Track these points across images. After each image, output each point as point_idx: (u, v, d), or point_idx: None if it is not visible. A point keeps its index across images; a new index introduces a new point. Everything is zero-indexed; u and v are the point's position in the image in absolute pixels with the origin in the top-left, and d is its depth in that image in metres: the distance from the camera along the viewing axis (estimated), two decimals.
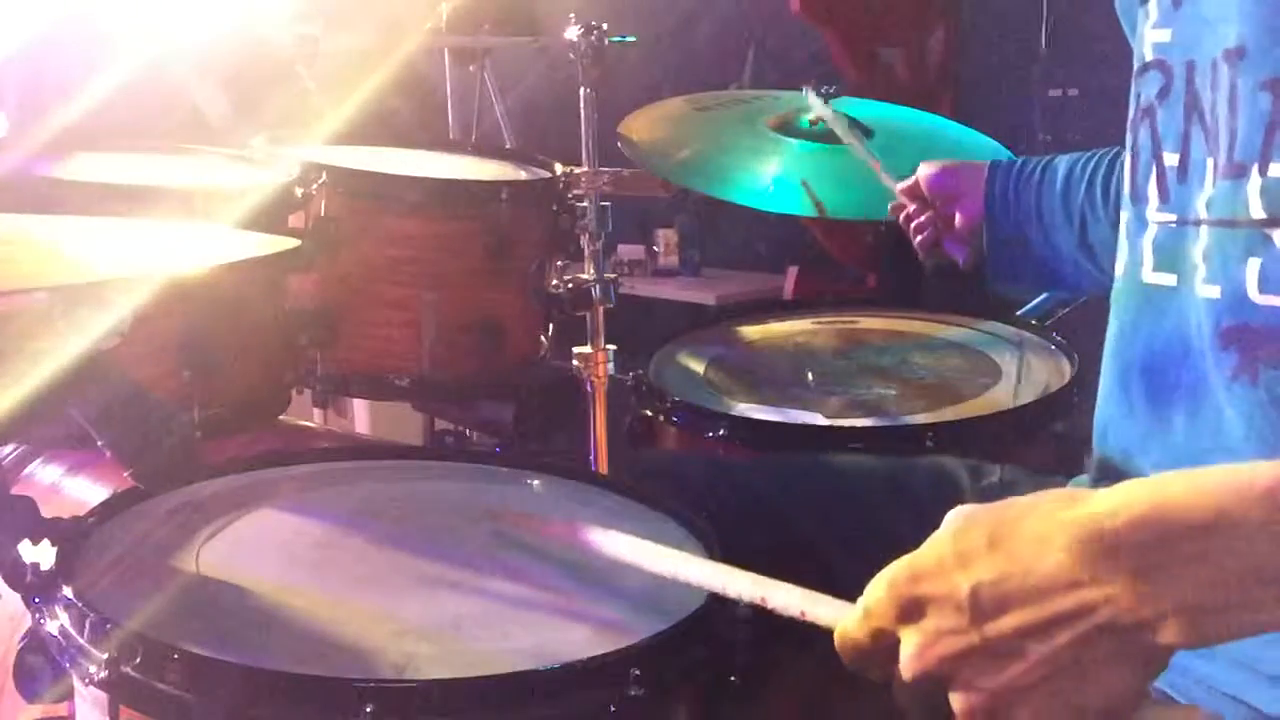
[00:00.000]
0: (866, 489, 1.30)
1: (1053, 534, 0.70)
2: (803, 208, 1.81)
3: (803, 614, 0.82)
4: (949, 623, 0.71)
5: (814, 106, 1.81)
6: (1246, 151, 0.89)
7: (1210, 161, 0.93)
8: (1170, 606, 0.68)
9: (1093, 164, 1.41)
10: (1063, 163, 1.44)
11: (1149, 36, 1.01)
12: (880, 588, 0.75)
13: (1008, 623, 0.70)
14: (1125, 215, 1.04)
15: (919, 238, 1.58)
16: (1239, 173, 0.90)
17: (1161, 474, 0.74)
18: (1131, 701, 0.71)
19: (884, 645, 0.75)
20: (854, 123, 1.83)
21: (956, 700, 0.72)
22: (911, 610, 0.73)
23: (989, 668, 0.71)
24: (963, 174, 1.54)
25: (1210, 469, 0.71)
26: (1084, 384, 1.58)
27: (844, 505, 1.27)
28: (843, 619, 0.77)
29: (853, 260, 3.83)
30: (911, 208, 1.59)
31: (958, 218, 1.53)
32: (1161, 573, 0.68)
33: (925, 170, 1.56)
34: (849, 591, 1.01)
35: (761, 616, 0.97)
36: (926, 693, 0.73)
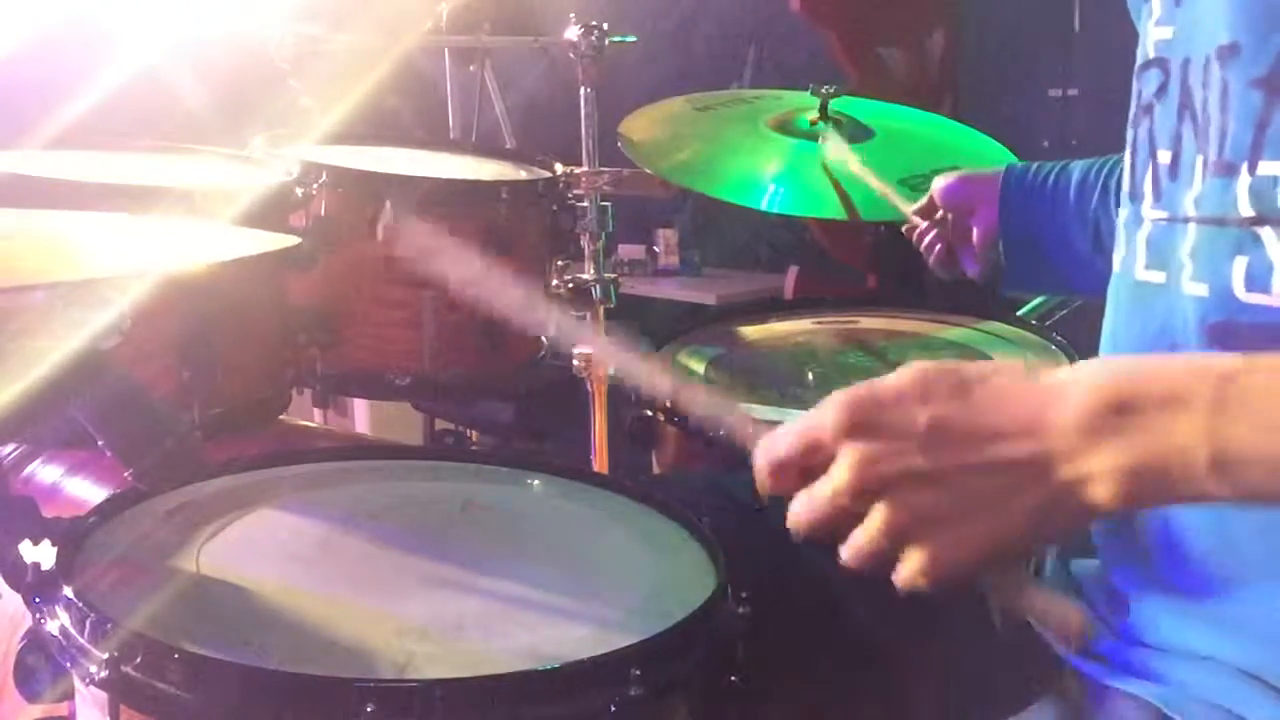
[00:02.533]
0: None
1: (1014, 390, 0.76)
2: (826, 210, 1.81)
3: (726, 428, 0.85)
4: (897, 446, 0.75)
5: (829, 149, 1.81)
6: (1236, 150, 0.89)
7: (1200, 159, 0.93)
8: (1108, 466, 0.72)
9: (1107, 168, 1.41)
10: (1076, 168, 1.44)
11: (1151, 34, 1.01)
12: (833, 403, 0.78)
13: (953, 457, 0.75)
14: (1124, 212, 1.04)
15: (934, 254, 1.59)
16: (1229, 171, 0.90)
17: (1132, 355, 0.79)
18: (1034, 545, 0.79)
19: (814, 454, 0.78)
20: (858, 128, 1.83)
21: (879, 514, 0.76)
22: (861, 429, 0.76)
23: (922, 493, 0.75)
24: (977, 184, 1.54)
25: (1174, 354, 0.77)
26: None
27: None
28: (779, 428, 0.80)
29: (853, 260, 3.83)
30: (923, 226, 1.60)
31: (974, 229, 1.53)
32: (1108, 434, 0.72)
33: (939, 183, 1.57)
34: (848, 600, 1.03)
35: (761, 617, 0.97)
36: (846, 504, 0.77)
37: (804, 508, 0.79)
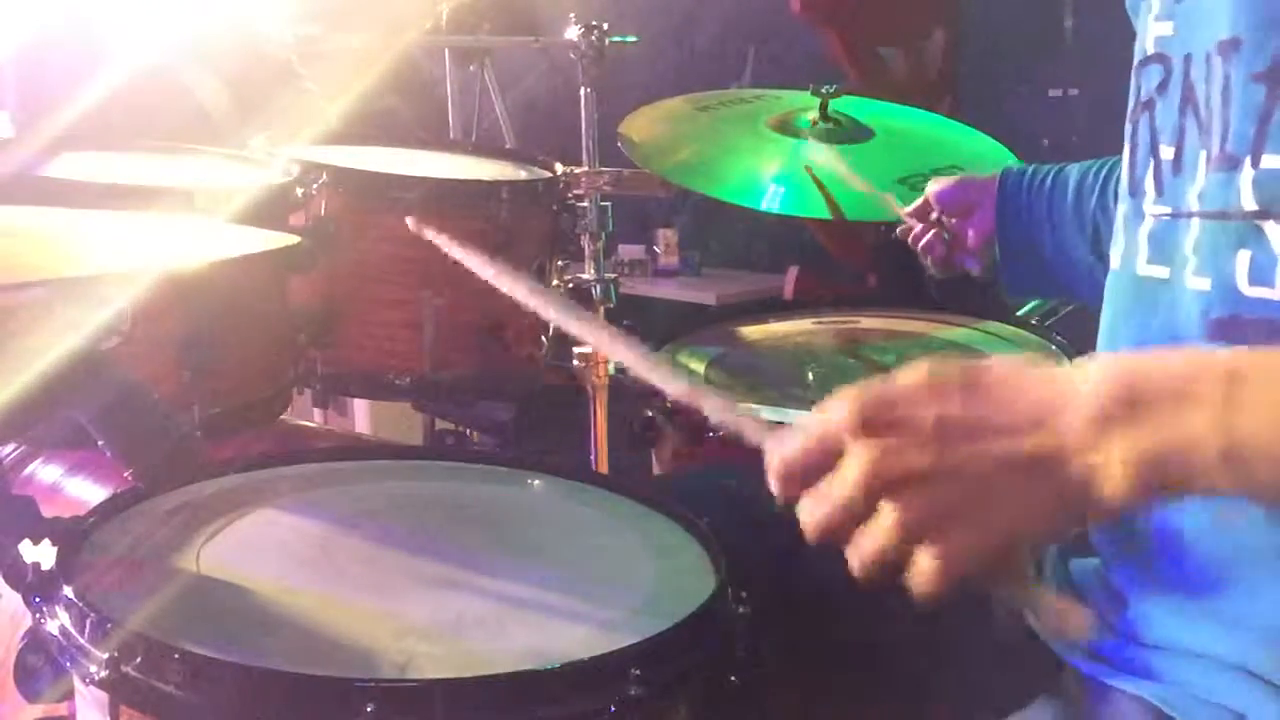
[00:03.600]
0: None
1: (1025, 384, 0.76)
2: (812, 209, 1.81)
3: (741, 431, 0.84)
4: (907, 443, 0.75)
5: (816, 154, 1.82)
6: (1239, 143, 0.89)
7: (1203, 154, 0.93)
8: (1120, 458, 0.72)
9: (1104, 171, 1.40)
10: (1074, 170, 1.44)
11: (1151, 29, 1.01)
12: (843, 403, 0.77)
13: (964, 453, 0.74)
14: (1123, 208, 1.04)
15: (930, 256, 1.59)
16: (1231, 164, 0.90)
17: (1137, 352, 0.80)
18: (1045, 540, 0.79)
19: (826, 454, 0.78)
20: (858, 128, 1.83)
21: (890, 511, 0.75)
22: (871, 426, 0.76)
23: (935, 489, 0.74)
24: (973, 187, 1.54)
25: (1182, 350, 0.77)
26: None
27: None
28: (789, 431, 0.80)
29: (853, 260, 3.82)
30: (919, 228, 1.59)
31: (970, 232, 1.53)
32: (1120, 426, 0.72)
33: (934, 187, 1.57)
34: (848, 600, 1.03)
35: (761, 617, 0.97)
36: (857, 504, 0.76)
37: (816, 507, 0.78)
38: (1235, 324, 0.90)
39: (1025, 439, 0.74)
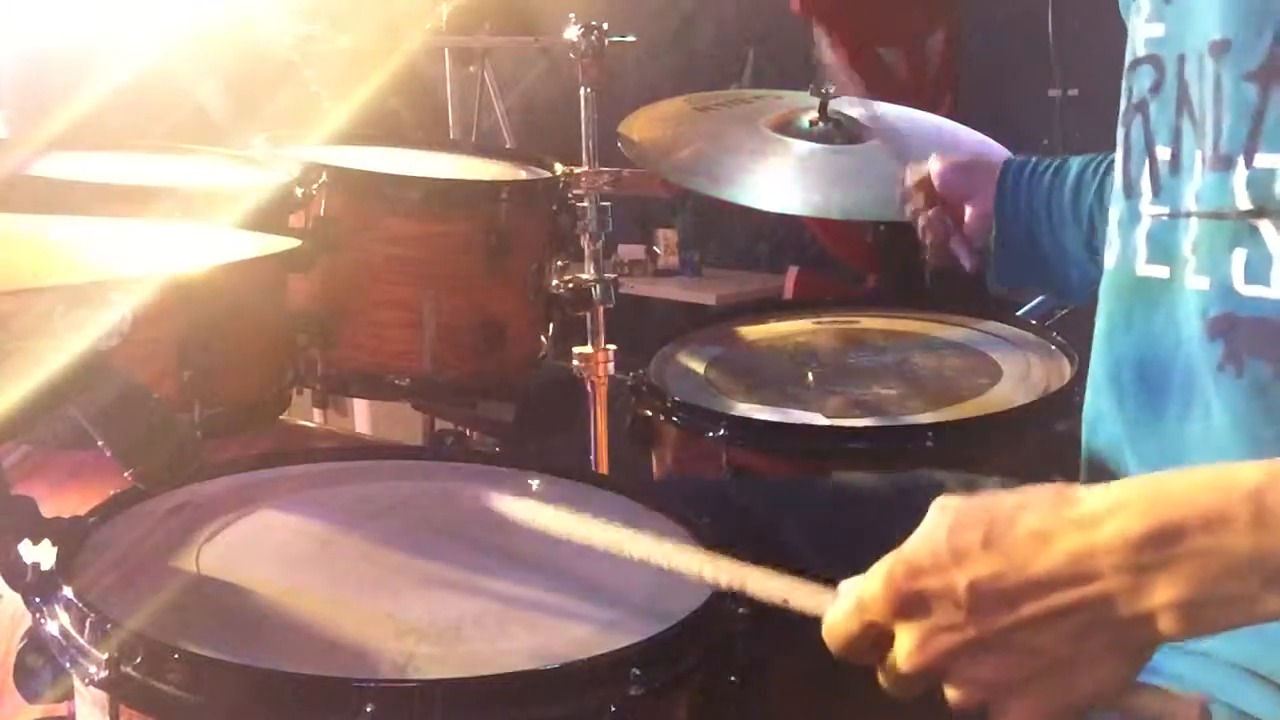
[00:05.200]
0: (860, 502, 1.30)
1: (1048, 531, 0.73)
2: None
3: (785, 601, 0.83)
4: (946, 618, 0.73)
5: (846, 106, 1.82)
6: (1232, 143, 0.90)
7: (1199, 154, 0.93)
8: (1167, 601, 0.70)
9: (1104, 166, 1.40)
10: (1075, 164, 1.43)
11: (1141, 31, 1.01)
12: (876, 582, 0.76)
13: (1005, 619, 0.72)
14: (1117, 209, 1.04)
15: (928, 236, 1.58)
16: (1226, 164, 0.90)
17: (1153, 474, 0.77)
18: (1122, 690, 0.74)
19: (875, 636, 0.77)
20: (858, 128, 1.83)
21: (953, 693, 0.74)
22: (908, 606, 0.75)
23: (986, 661, 0.73)
24: (975, 171, 1.53)
25: (1200, 469, 0.74)
26: (1084, 384, 1.58)
27: (837, 519, 1.27)
28: (833, 609, 0.79)
29: (853, 260, 3.82)
30: (921, 201, 1.58)
31: (967, 214, 1.52)
32: (1158, 568, 0.70)
33: (937, 165, 1.55)
34: None
35: (762, 617, 0.97)
36: (920, 684, 0.76)
37: (890, 686, 0.78)
38: (1233, 322, 0.90)
39: (1065, 592, 0.72)
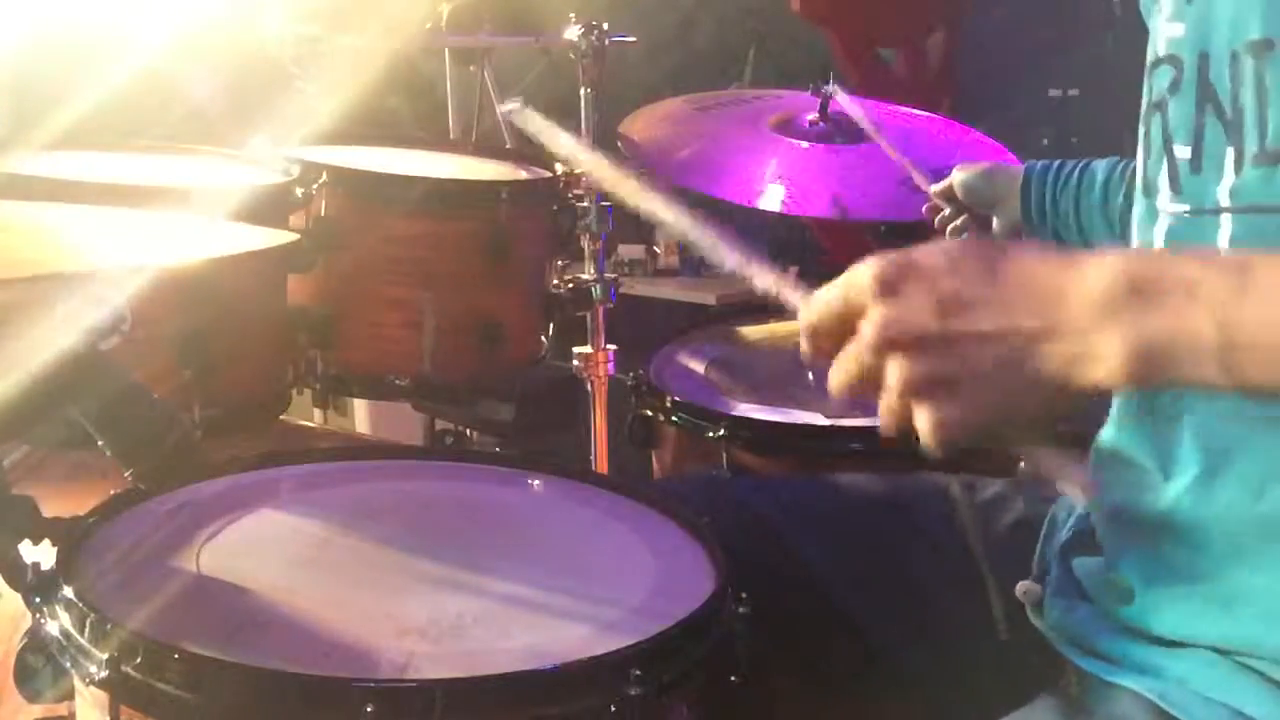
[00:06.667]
0: (860, 502, 1.30)
1: (1039, 272, 0.79)
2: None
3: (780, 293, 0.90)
4: (920, 308, 0.79)
5: (846, 106, 1.82)
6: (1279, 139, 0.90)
7: (1231, 151, 0.93)
8: (1116, 343, 0.75)
9: (1132, 168, 1.40)
10: (1100, 166, 1.44)
11: (1162, 31, 1.01)
12: (869, 263, 0.82)
13: (973, 323, 0.78)
14: (1138, 207, 1.05)
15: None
16: (1274, 160, 0.91)
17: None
18: (1036, 422, 0.81)
19: (850, 313, 0.83)
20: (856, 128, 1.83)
21: (897, 370, 0.80)
22: (890, 289, 0.80)
23: (939, 354, 0.79)
24: (998, 178, 1.54)
25: (1193, 251, 0.81)
26: None
27: (838, 522, 1.27)
28: (824, 287, 0.85)
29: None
30: (947, 211, 1.59)
31: (995, 223, 1.53)
32: (1121, 312, 0.75)
33: (960, 175, 1.56)
34: (848, 612, 1.03)
35: (761, 616, 0.97)
36: (870, 362, 0.81)
37: (837, 367, 0.84)
38: None
39: (1025, 316, 0.77)
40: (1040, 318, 0.77)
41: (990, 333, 0.78)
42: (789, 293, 0.90)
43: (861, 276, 0.82)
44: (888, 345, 0.80)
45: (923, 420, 0.80)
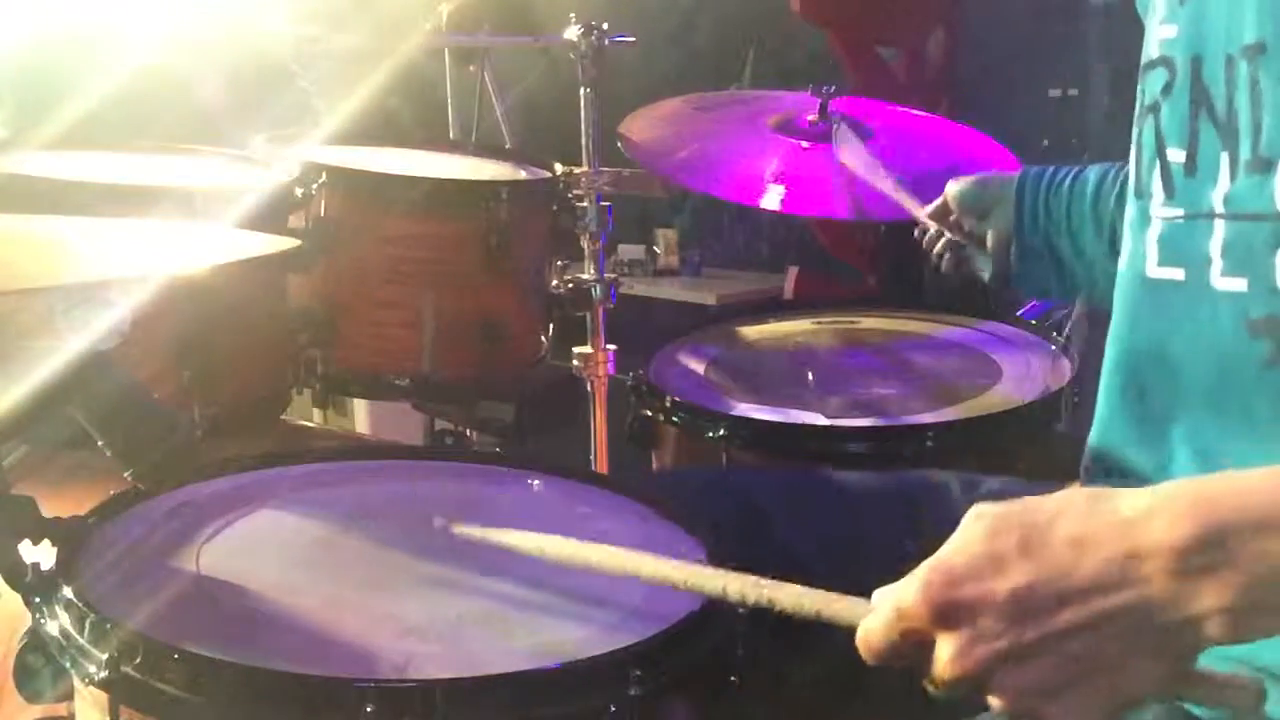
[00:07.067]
0: (860, 502, 1.30)
1: (1087, 537, 0.72)
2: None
3: (819, 614, 0.82)
4: (987, 627, 0.72)
5: (842, 149, 1.82)
6: (1272, 146, 0.90)
7: (1225, 156, 0.93)
8: (1214, 606, 0.69)
9: (1124, 173, 1.40)
10: (1093, 172, 1.44)
11: (1156, 33, 1.01)
12: (915, 590, 0.75)
13: (1046, 627, 0.71)
14: (1130, 210, 1.05)
15: (947, 255, 1.59)
16: (1265, 167, 0.90)
17: (1194, 477, 0.76)
18: (1168, 689, 0.73)
19: (914, 644, 0.76)
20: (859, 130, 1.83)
21: (995, 700, 0.73)
22: (946, 615, 0.74)
23: (1029, 668, 0.72)
24: (991, 187, 1.53)
25: (1247, 471, 0.72)
26: (1084, 384, 1.58)
27: (837, 517, 1.27)
28: (869, 619, 0.78)
29: (853, 260, 3.83)
30: (934, 230, 1.59)
31: (989, 233, 1.53)
32: (1205, 573, 0.69)
33: (954, 186, 1.56)
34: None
35: (761, 617, 0.97)
36: (964, 689, 0.74)
37: (931, 692, 0.77)
38: (1276, 323, 0.90)
39: (1108, 598, 0.71)
40: (1122, 596, 0.70)
41: (1075, 626, 0.71)
42: (841, 611, 0.81)
43: (911, 607, 0.75)
44: (976, 676, 0.73)
45: None
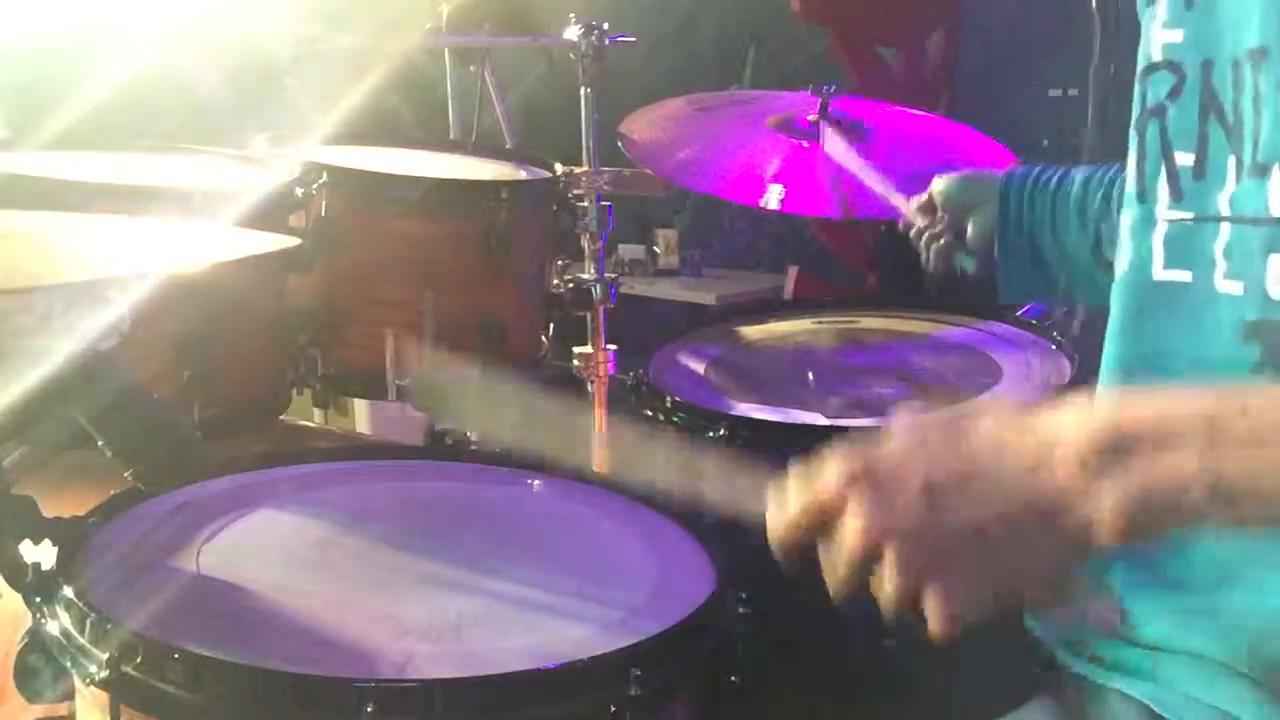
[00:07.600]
0: None
1: (1009, 438, 0.77)
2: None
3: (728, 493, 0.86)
4: (900, 504, 0.76)
5: (829, 146, 1.82)
6: (1269, 151, 0.90)
7: (1232, 159, 0.93)
8: (1110, 504, 0.73)
9: (1110, 174, 1.40)
10: (1079, 173, 1.44)
11: (1157, 37, 1.01)
12: (835, 466, 0.79)
13: (960, 508, 0.75)
14: (1129, 214, 1.04)
15: (931, 250, 1.59)
16: (1262, 173, 0.90)
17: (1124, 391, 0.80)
18: (1048, 584, 0.78)
19: (823, 521, 0.79)
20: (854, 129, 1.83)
21: (891, 569, 0.77)
22: (859, 484, 0.78)
23: (931, 546, 0.76)
24: (977, 184, 1.54)
25: (1166, 390, 0.77)
26: (1084, 384, 1.58)
27: None
28: (781, 491, 0.82)
29: (853, 260, 3.83)
30: (923, 223, 1.59)
31: (970, 228, 1.53)
32: (1108, 474, 0.73)
33: (939, 183, 1.57)
34: (847, 612, 1.02)
35: (762, 617, 0.97)
36: (859, 565, 0.78)
37: (829, 572, 0.80)
38: (1268, 327, 0.91)
39: (1017, 492, 0.75)
40: (1029, 492, 0.75)
41: (980, 516, 0.76)
42: (756, 496, 0.85)
43: (831, 475, 0.79)
44: (878, 540, 0.77)
45: (929, 606, 0.77)
